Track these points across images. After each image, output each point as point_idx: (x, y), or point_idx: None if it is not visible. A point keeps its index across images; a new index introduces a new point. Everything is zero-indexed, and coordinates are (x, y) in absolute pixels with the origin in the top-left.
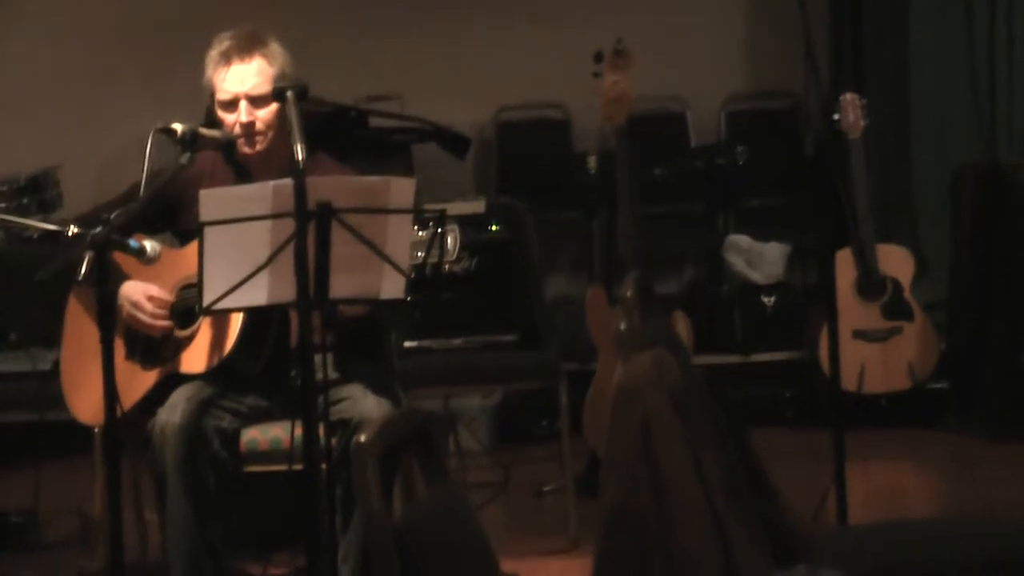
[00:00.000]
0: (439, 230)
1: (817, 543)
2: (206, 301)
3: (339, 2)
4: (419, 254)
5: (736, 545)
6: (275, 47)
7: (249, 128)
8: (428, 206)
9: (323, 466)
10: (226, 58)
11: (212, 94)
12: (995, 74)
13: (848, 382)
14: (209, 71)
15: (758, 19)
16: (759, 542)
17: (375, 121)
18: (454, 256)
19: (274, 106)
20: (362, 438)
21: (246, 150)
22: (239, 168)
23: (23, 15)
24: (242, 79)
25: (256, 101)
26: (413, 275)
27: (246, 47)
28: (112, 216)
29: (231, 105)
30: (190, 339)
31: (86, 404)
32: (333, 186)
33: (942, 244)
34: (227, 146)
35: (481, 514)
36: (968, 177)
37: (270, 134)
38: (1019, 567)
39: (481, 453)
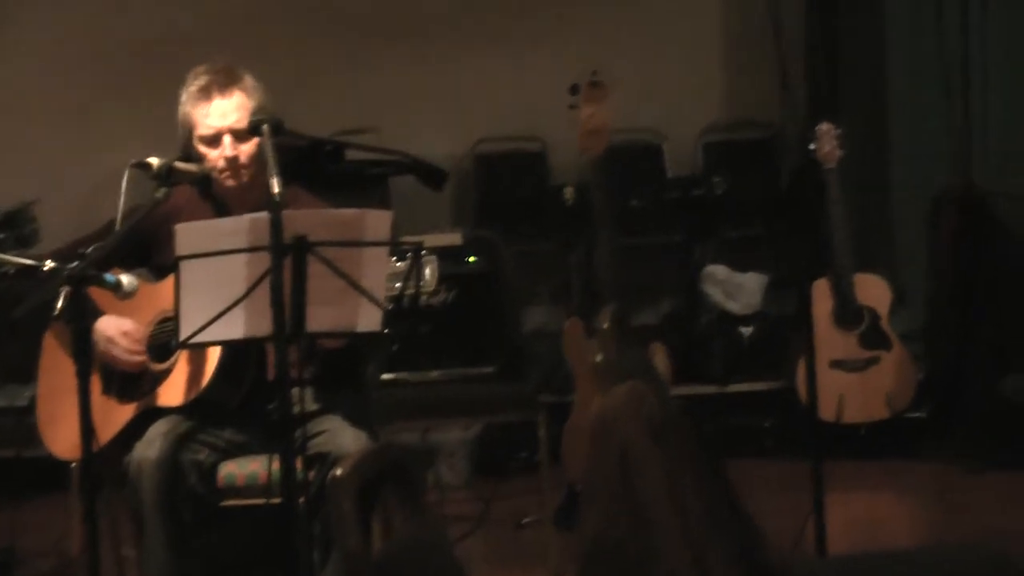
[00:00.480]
0: (417, 263)
1: (795, 574)
2: (183, 335)
3: (315, 36)
4: (396, 285)
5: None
6: (251, 81)
7: (234, 162)
8: (405, 239)
9: (302, 501)
10: (206, 93)
11: (190, 130)
12: (969, 101)
13: (826, 412)
14: (188, 107)
15: (734, 50)
16: (737, 573)
17: (352, 154)
18: (432, 287)
19: (254, 140)
20: (339, 472)
21: (230, 183)
22: (216, 203)
23: None
24: (224, 114)
25: (239, 135)
26: (391, 307)
27: (225, 82)
28: (88, 251)
29: (214, 140)
30: (167, 373)
31: (62, 439)
32: (309, 219)
33: (920, 273)
34: (203, 180)
35: (461, 547)
36: (945, 204)
37: (252, 168)
38: None
39: (460, 486)
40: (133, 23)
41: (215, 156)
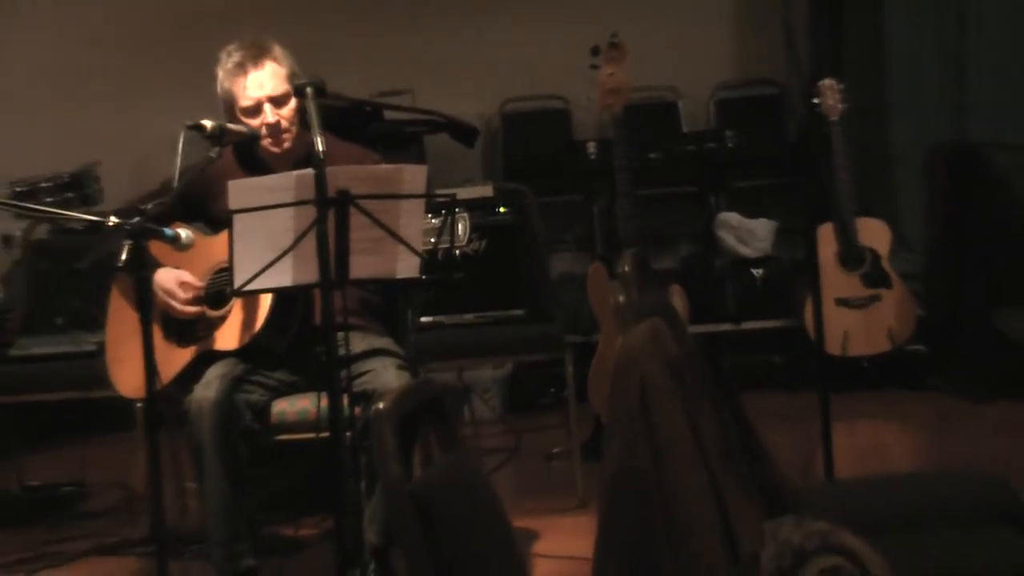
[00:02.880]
0: (450, 216)
1: (805, 497)
2: (237, 283)
3: (353, 7)
4: (431, 240)
5: (730, 501)
6: (279, 50)
7: (275, 128)
8: (440, 191)
9: (349, 435)
10: (241, 68)
11: (232, 103)
12: (964, 58)
13: (832, 347)
14: (227, 83)
15: (743, 11)
16: (751, 498)
17: (389, 114)
18: (464, 241)
19: (293, 103)
20: (380, 406)
21: (274, 150)
22: (259, 162)
23: (60, 27)
24: (261, 84)
25: (277, 101)
26: (426, 258)
27: (256, 55)
28: (148, 207)
29: (255, 110)
30: (223, 319)
31: (128, 379)
32: (350, 174)
33: (918, 217)
34: (251, 140)
35: (495, 477)
36: (941, 155)
37: (293, 130)
38: (993, 516)
39: (494, 421)
40: (187, 1)
41: (257, 123)
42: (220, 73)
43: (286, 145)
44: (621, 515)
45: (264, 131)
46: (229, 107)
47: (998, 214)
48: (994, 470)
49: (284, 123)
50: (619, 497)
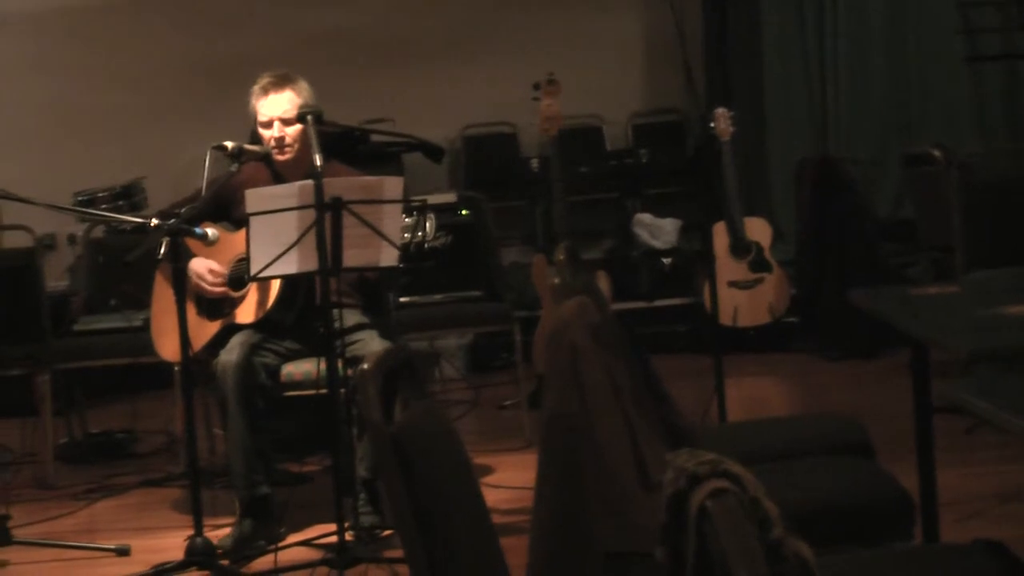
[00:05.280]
0: (421, 217)
1: (701, 435)
2: (253, 271)
3: (347, 50)
4: (407, 235)
5: (642, 439)
6: (303, 84)
7: (280, 141)
8: (413, 198)
9: (343, 391)
10: (265, 91)
11: (255, 117)
12: (825, 89)
13: (725, 319)
14: (253, 100)
15: (653, 55)
16: (659, 436)
17: (374, 137)
18: (431, 237)
19: (299, 126)
20: (365, 367)
21: (279, 157)
22: (275, 174)
23: (113, 70)
24: (275, 106)
25: (286, 122)
26: (402, 251)
27: (280, 83)
28: (183, 211)
29: (268, 125)
30: (242, 299)
31: (169, 347)
32: (342, 184)
33: (791, 216)
34: (265, 157)
35: (458, 423)
36: (807, 167)
37: (296, 146)
38: (846, 448)
39: (458, 379)
40: (213, 49)
41: (268, 136)
42: (252, 92)
43: (288, 154)
44: (556, 452)
45: (272, 143)
46: (253, 120)
47: (851, 214)
48: (846, 412)
49: (288, 139)
50: (554, 438)
